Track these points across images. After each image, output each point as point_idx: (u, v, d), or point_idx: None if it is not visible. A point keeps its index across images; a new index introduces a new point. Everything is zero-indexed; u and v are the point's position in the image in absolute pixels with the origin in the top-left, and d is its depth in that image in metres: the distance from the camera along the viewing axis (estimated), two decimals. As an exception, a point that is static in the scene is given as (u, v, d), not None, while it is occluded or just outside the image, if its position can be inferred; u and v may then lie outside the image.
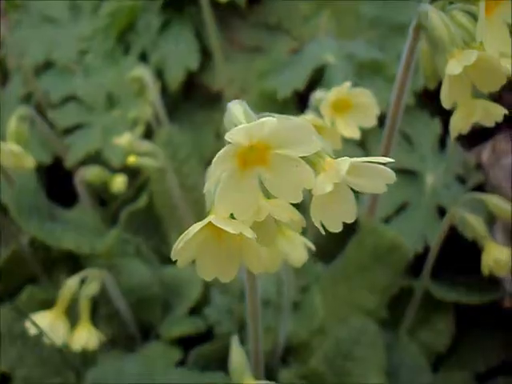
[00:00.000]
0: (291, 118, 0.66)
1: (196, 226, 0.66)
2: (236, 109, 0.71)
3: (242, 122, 0.68)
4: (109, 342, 1.43)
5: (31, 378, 1.38)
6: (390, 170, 0.69)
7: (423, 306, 1.45)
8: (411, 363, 1.39)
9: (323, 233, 0.70)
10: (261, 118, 0.63)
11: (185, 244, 0.67)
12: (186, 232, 0.67)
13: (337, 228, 0.71)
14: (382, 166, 0.69)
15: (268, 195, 0.72)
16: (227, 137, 0.62)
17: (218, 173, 0.64)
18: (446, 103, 0.91)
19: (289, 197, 0.68)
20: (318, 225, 0.69)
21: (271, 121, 0.62)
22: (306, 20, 1.88)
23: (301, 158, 0.66)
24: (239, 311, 1.48)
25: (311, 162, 0.69)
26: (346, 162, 0.66)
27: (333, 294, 1.43)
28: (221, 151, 0.63)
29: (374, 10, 1.79)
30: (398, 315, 1.46)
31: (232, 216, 0.68)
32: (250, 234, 0.65)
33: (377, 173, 0.70)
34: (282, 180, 0.66)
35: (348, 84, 1.08)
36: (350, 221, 0.72)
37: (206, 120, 1.93)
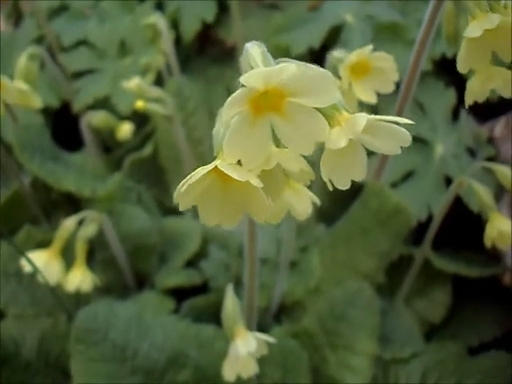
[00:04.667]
0: (311, 66, 0.64)
1: (201, 170, 0.64)
2: (254, 50, 0.67)
3: (258, 65, 0.66)
4: (103, 289, 1.43)
5: (23, 316, 1.38)
6: (406, 131, 0.67)
7: (422, 275, 1.44)
8: (403, 330, 1.39)
9: (331, 189, 0.69)
10: (279, 64, 0.61)
11: (188, 187, 0.64)
12: (190, 175, 0.64)
13: (345, 185, 0.69)
14: (398, 127, 0.66)
15: (277, 146, 0.70)
16: (242, 79, 0.60)
17: (229, 116, 0.62)
18: (461, 67, 0.88)
19: (300, 148, 0.65)
20: (326, 180, 0.67)
21: (290, 67, 0.60)
22: (326, -20, 1.83)
23: (316, 109, 0.63)
24: (236, 267, 1.47)
25: (326, 114, 0.65)
26: (363, 118, 0.63)
27: (332, 255, 1.42)
28: (234, 94, 0.61)
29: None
30: (395, 283, 1.45)
31: (239, 163, 0.66)
32: (256, 182, 0.63)
33: (393, 133, 0.67)
34: (294, 130, 0.64)
35: (370, 47, 1.05)
36: (358, 179, 0.70)
37: (218, 75, 1.90)
